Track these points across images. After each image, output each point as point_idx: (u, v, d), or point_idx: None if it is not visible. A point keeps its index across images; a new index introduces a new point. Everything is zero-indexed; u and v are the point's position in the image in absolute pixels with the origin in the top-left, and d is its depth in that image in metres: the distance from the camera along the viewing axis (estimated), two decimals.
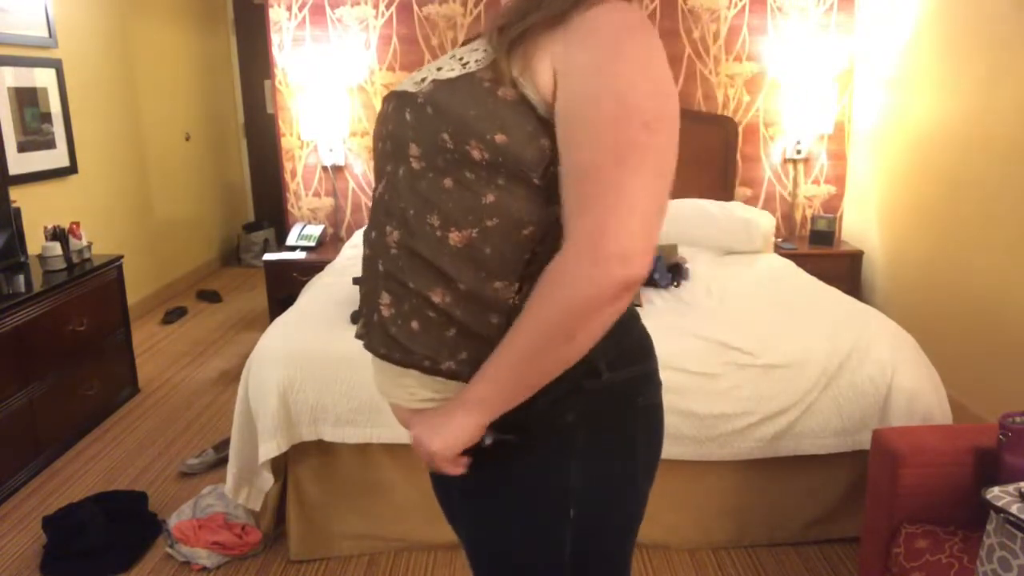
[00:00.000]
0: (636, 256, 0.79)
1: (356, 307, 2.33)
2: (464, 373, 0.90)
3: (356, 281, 2.48)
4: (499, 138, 0.84)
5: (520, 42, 0.86)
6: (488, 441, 0.90)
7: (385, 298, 0.91)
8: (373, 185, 0.98)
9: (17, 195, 3.31)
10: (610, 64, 0.81)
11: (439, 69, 0.92)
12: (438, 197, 0.87)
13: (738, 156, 4.04)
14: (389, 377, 0.96)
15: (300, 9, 3.96)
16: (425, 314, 0.89)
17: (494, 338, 0.88)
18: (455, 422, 0.88)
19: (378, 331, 0.92)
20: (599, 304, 0.80)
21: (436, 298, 0.88)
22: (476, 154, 0.85)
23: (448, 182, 0.87)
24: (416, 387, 0.94)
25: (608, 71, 0.81)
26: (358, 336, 0.98)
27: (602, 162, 0.80)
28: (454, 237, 0.87)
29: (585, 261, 0.79)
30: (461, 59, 0.91)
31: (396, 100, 0.93)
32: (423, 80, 0.91)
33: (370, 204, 0.98)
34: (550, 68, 0.85)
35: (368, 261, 0.95)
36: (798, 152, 3.99)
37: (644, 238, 0.79)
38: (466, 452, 0.91)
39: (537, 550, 0.97)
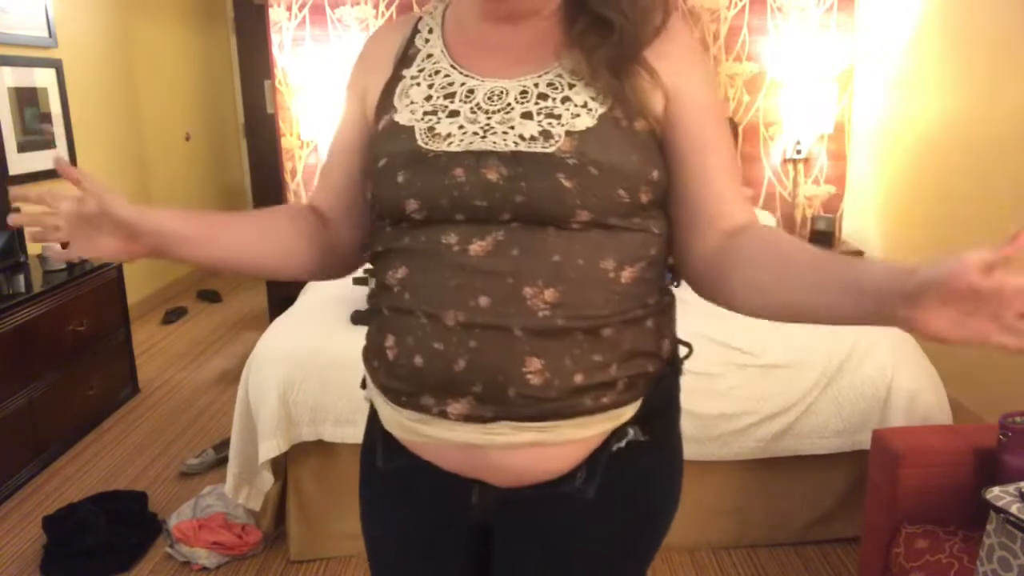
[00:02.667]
0: None
1: (356, 307, 2.33)
2: (622, 400, 0.89)
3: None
4: (655, 174, 0.88)
5: (627, 70, 0.87)
6: (622, 444, 0.90)
7: (534, 364, 0.84)
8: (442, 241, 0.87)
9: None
10: (709, 76, 0.94)
11: (545, 117, 0.86)
12: (612, 243, 0.86)
13: (738, 156, 4.04)
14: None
15: (300, 9, 3.96)
16: (589, 360, 0.85)
17: (651, 346, 0.93)
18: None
19: (523, 403, 0.85)
20: None
21: (607, 333, 0.86)
22: (644, 198, 0.87)
23: (621, 228, 0.87)
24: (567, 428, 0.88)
25: (711, 82, 0.93)
26: (469, 419, 0.86)
27: (733, 157, 0.95)
28: (626, 275, 0.87)
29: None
30: (564, 100, 0.87)
31: (518, 165, 0.84)
32: (532, 137, 0.85)
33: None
34: (657, 88, 0.88)
35: (484, 333, 0.84)
36: (798, 152, 3.98)
37: None
38: (591, 460, 0.90)
39: (652, 550, 1.01)
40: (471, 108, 0.89)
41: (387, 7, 3.94)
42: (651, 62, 0.88)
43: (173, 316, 4.63)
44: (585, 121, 0.85)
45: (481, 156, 0.85)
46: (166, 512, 2.49)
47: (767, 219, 3.44)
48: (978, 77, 2.94)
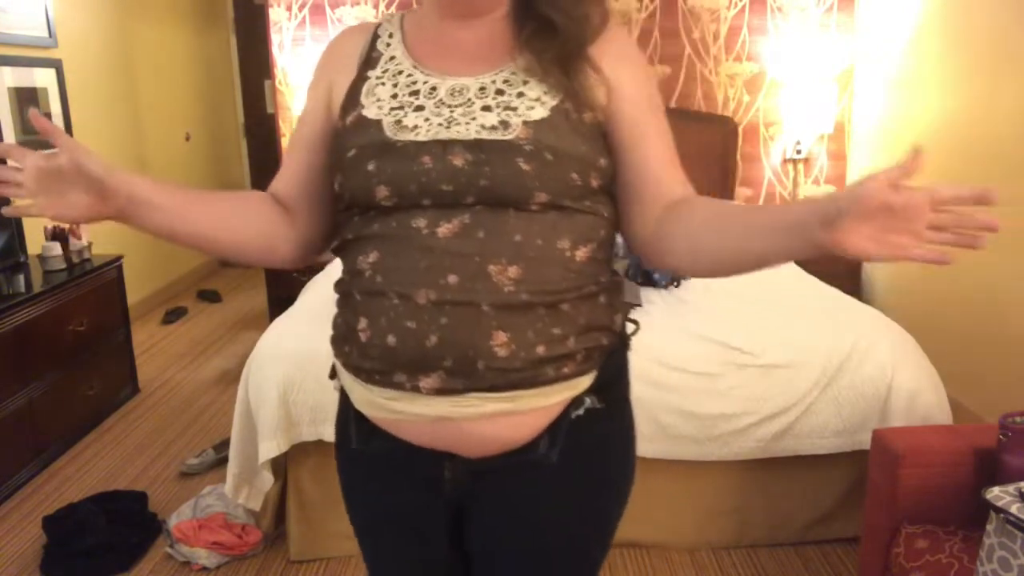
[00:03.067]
0: None
1: None
2: (581, 371, 0.96)
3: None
4: (603, 162, 0.97)
5: (574, 67, 0.96)
6: (580, 411, 0.98)
7: (500, 337, 0.89)
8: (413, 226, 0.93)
9: None
10: (647, 71, 1.04)
11: (503, 110, 0.93)
12: (566, 223, 0.94)
13: (738, 156, 4.04)
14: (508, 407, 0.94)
15: (300, 9, 3.96)
16: (550, 332, 0.92)
17: (605, 320, 0.99)
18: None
19: (491, 375, 0.90)
20: None
21: (565, 308, 0.93)
22: (594, 183, 0.95)
23: (574, 210, 0.94)
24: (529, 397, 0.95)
25: (648, 76, 1.03)
26: (440, 392, 0.92)
27: (669, 144, 1.03)
28: (580, 254, 0.95)
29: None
30: (519, 95, 0.95)
31: (480, 151, 0.90)
32: (492, 127, 0.92)
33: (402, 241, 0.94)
34: (601, 83, 0.97)
35: (454, 309, 0.89)
36: (798, 152, 3.99)
37: None
38: (552, 428, 0.97)
39: (614, 523, 1.09)
40: (435, 103, 0.96)
41: (387, 7, 3.94)
42: (588, 64, 0.96)
43: (173, 316, 4.63)
44: (539, 112, 0.93)
45: (447, 144, 0.92)
46: (166, 512, 2.49)
47: None
48: (978, 77, 2.94)
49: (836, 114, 3.94)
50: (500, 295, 0.89)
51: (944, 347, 3.02)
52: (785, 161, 4.07)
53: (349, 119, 0.99)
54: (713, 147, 3.96)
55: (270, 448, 2.13)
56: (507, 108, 0.93)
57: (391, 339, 0.92)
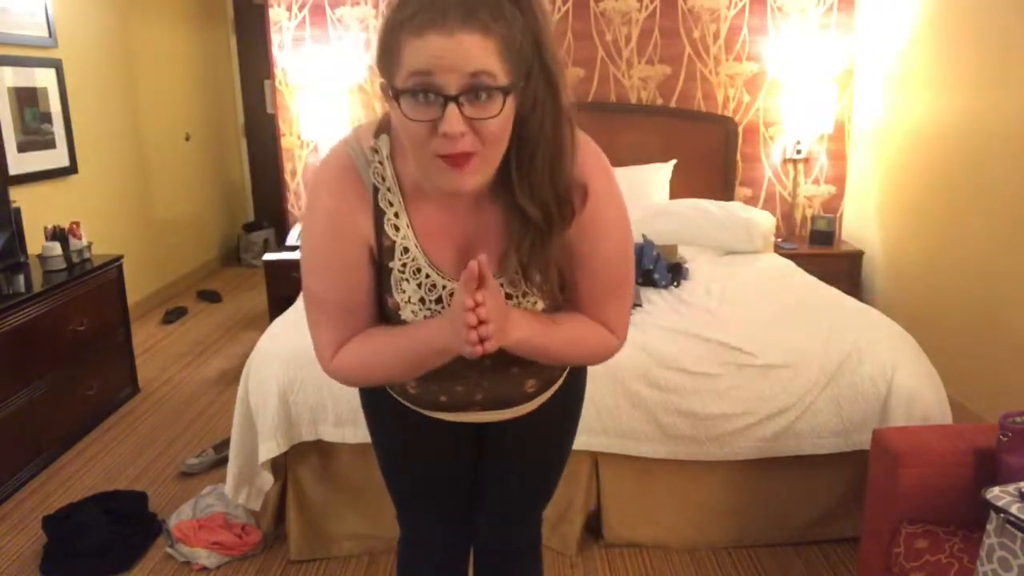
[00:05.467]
0: None
1: None
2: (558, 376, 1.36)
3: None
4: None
5: (554, 265, 1.15)
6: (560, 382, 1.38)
7: (531, 383, 1.28)
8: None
9: (17, 195, 3.31)
10: (620, 230, 1.21)
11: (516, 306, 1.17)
12: None
13: (738, 156, 4.04)
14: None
15: (300, 9, 3.96)
16: (552, 373, 1.32)
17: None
18: (512, 336, 1.10)
19: (524, 398, 1.31)
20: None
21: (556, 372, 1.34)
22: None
23: None
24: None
25: (620, 234, 1.21)
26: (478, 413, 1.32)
27: (626, 294, 1.29)
28: None
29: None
30: (524, 294, 1.17)
31: (492, 357, 1.14)
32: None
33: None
34: (572, 253, 1.21)
35: (493, 374, 1.24)
36: (798, 152, 3.99)
37: None
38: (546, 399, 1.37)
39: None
40: None
41: (386, 7, 3.94)
42: (570, 237, 1.11)
43: (173, 316, 4.63)
44: (540, 305, 1.17)
45: None
46: (166, 512, 2.49)
47: (767, 219, 3.44)
48: (977, 77, 2.94)
49: (836, 114, 3.94)
50: (522, 363, 1.23)
51: (944, 347, 3.02)
52: (785, 161, 4.07)
53: (390, 298, 1.16)
54: (713, 147, 3.96)
55: (270, 448, 2.13)
56: (518, 305, 1.15)
57: (443, 398, 1.27)
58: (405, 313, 1.14)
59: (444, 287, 1.13)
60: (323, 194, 1.11)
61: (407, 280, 1.13)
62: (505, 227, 1.10)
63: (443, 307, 1.13)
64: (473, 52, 0.92)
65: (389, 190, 1.11)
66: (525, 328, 1.11)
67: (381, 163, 1.10)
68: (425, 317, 1.14)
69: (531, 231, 1.07)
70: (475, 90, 0.93)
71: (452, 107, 0.93)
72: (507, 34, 0.94)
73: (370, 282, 1.15)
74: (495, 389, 1.26)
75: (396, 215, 1.11)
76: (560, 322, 1.18)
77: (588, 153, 1.11)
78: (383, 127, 1.12)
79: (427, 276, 1.13)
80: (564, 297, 1.19)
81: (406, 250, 1.12)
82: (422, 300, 1.13)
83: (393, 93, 0.97)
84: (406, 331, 1.14)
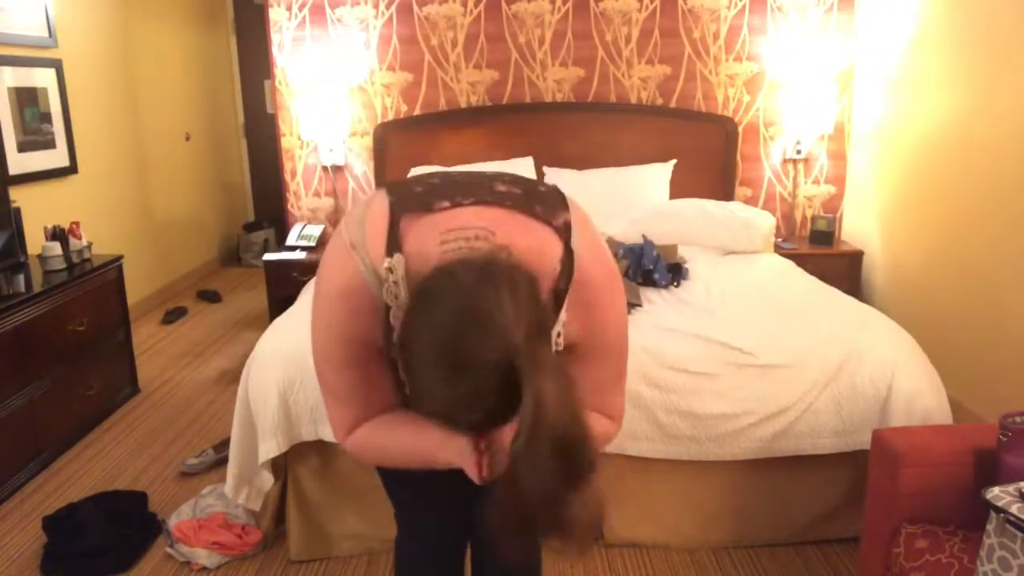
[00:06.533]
0: None
1: None
2: None
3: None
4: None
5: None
6: None
7: None
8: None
9: (17, 195, 3.31)
10: (615, 311, 1.21)
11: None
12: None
13: (738, 156, 4.04)
14: None
15: (300, 9, 3.96)
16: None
17: None
18: None
19: None
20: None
21: None
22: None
23: None
24: None
25: (612, 319, 1.21)
26: None
27: (616, 376, 1.28)
28: None
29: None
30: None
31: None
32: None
33: None
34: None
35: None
36: (798, 152, 3.99)
37: None
38: None
39: None
40: None
41: (387, 7, 3.94)
42: (565, 310, 1.13)
43: (173, 316, 4.63)
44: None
45: None
46: (166, 512, 2.49)
47: (767, 219, 3.45)
48: (978, 77, 2.94)
49: (836, 114, 3.94)
50: None
51: (944, 347, 3.02)
52: (785, 161, 4.07)
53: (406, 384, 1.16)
54: (713, 147, 3.96)
55: (270, 448, 2.13)
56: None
57: None
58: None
59: None
60: (335, 305, 1.10)
61: None
62: None
63: None
64: None
65: (401, 308, 1.08)
66: None
67: (396, 283, 1.07)
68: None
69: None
70: None
71: None
72: None
73: (384, 372, 1.16)
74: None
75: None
76: None
77: (583, 246, 1.13)
78: (394, 244, 1.08)
79: None
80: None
81: None
82: None
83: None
84: (419, 436, 1.14)
